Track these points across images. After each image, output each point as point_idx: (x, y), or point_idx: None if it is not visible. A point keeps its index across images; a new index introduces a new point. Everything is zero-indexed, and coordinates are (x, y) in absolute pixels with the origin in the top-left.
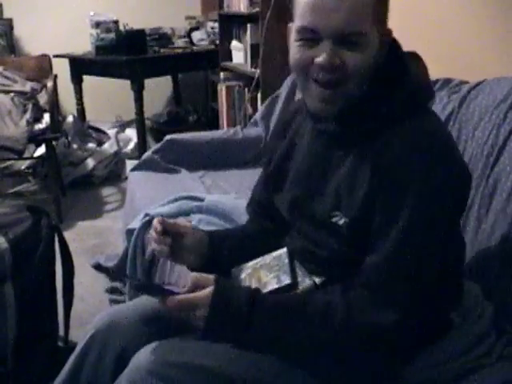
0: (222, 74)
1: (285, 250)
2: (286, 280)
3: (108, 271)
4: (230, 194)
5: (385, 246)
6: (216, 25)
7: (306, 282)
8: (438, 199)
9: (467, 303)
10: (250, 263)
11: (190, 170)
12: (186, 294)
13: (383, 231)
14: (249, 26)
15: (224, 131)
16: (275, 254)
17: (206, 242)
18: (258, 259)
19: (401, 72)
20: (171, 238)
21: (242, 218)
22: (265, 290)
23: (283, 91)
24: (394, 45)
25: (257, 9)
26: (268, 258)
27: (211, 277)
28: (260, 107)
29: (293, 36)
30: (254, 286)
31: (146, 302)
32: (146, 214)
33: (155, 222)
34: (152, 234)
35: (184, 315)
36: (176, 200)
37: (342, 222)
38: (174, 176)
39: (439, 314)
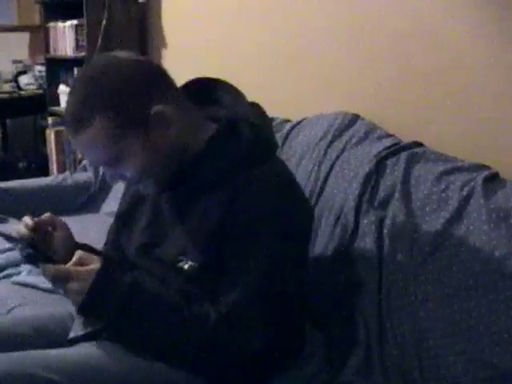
0: (50, 119)
1: None
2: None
3: None
4: None
5: (245, 283)
6: (44, 68)
7: None
8: (288, 236)
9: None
10: None
11: (19, 219)
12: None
13: (241, 270)
14: (76, 69)
15: (53, 177)
16: None
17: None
18: None
19: (235, 132)
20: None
21: None
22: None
23: None
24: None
25: (83, 52)
26: None
27: (96, 257)
28: None
29: None
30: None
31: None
32: None
33: (26, 218)
34: (20, 230)
35: (59, 285)
36: (4, 251)
37: (187, 266)
38: (2, 226)
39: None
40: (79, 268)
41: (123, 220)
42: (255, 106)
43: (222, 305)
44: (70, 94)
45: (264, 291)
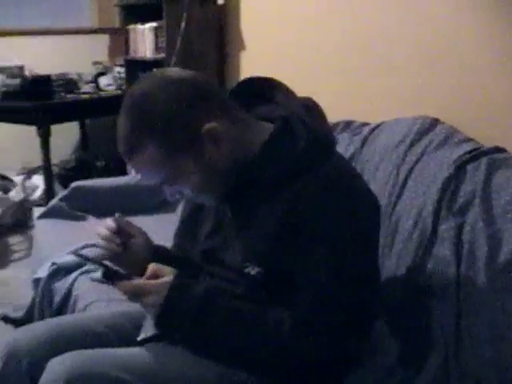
0: None
1: None
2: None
3: (15, 322)
4: None
5: (315, 285)
6: (123, 70)
7: None
8: (356, 236)
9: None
10: None
11: (97, 217)
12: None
13: (311, 272)
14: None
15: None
16: None
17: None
18: None
19: (290, 133)
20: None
21: None
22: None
23: None
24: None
25: (162, 54)
26: None
27: (169, 269)
28: None
29: None
30: None
31: (59, 321)
32: (53, 263)
33: (109, 220)
34: (102, 232)
35: (135, 300)
36: (83, 248)
37: (254, 271)
38: (81, 223)
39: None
40: (152, 282)
41: (187, 224)
42: (309, 102)
43: (296, 312)
44: (120, 119)
45: (337, 298)
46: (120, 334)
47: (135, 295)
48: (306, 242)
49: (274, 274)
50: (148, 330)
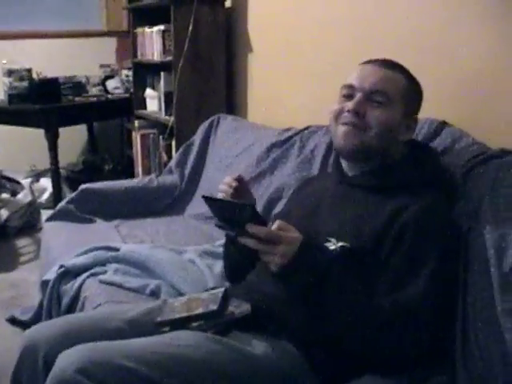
0: (136, 122)
1: (222, 289)
2: (213, 307)
3: (23, 324)
4: (145, 242)
5: (418, 283)
6: (130, 73)
7: (242, 306)
8: (450, 250)
9: None
10: (187, 296)
11: (105, 220)
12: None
13: (413, 271)
14: (162, 74)
15: (139, 179)
16: (213, 291)
17: None
18: (196, 294)
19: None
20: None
21: (158, 266)
22: (190, 314)
23: (197, 138)
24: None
25: (170, 57)
26: (205, 294)
27: (292, 227)
28: (175, 155)
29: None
30: (182, 313)
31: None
32: (61, 266)
33: (230, 178)
34: (224, 184)
35: (263, 247)
36: (91, 250)
37: (333, 246)
38: (89, 226)
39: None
40: (286, 233)
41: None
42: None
43: (396, 297)
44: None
45: (433, 290)
46: (136, 327)
47: (269, 241)
48: (413, 242)
49: (355, 252)
50: (166, 315)
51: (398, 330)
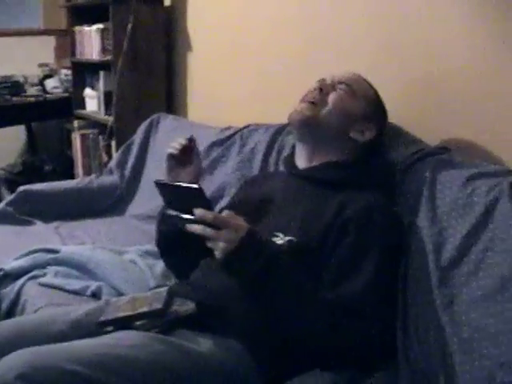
0: (76, 122)
1: (166, 288)
2: (158, 305)
3: None
4: (86, 244)
5: (361, 277)
6: (69, 72)
7: (187, 305)
8: (393, 244)
9: None
10: (131, 295)
11: (45, 222)
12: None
13: (356, 265)
14: (101, 73)
15: (79, 180)
16: (157, 290)
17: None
18: (139, 294)
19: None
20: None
21: (99, 268)
22: (134, 312)
23: (137, 138)
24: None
25: (109, 56)
26: (149, 293)
27: (240, 217)
28: (115, 155)
29: None
30: (126, 312)
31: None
32: (0, 269)
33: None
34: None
35: (208, 232)
36: (31, 253)
37: (281, 241)
38: (28, 228)
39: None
40: (234, 220)
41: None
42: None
43: (340, 291)
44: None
45: (376, 283)
46: (79, 329)
47: (217, 225)
48: (358, 238)
49: (302, 247)
50: (110, 315)
51: (342, 323)
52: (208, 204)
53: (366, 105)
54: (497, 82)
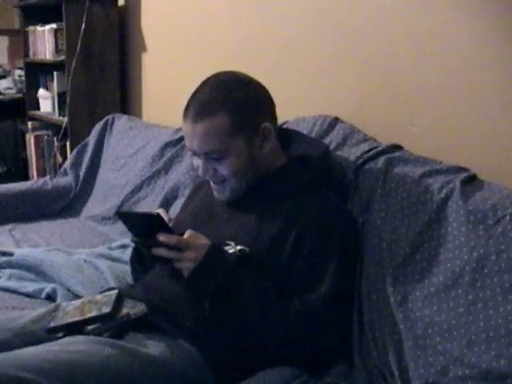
0: (29, 124)
1: (116, 291)
2: (106, 310)
3: None
4: (41, 246)
5: (323, 285)
6: (23, 73)
7: (138, 307)
8: (350, 247)
9: None
10: (80, 299)
11: None
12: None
13: (317, 274)
14: (55, 74)
15: (33, 182)
16: (107, 293)
17: None
18: (89, 297)
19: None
20: None
21: (54, 270)
22: (83, 317)
23: (91, 139)
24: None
25: (62, 57)
26: (100, 296)
27: (203, 236)
28: (69, 156)
29: None
30: (75, 317)
31: None
32: None
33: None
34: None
35: (175, 254)
36: None
37: (232, 250)
38: None
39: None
40: (194, 240)
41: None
42: (316, 143)
43: (303, 299)
44: (199, 91)
45: (338, 290)
46: (25, 336)
47: (179, 248)
48: (313, 242)
49: (254, 255)
50: (59, 321)
51: (304, 329)
52: (168, 228)
53: (242, 132)
54: (453, 79)
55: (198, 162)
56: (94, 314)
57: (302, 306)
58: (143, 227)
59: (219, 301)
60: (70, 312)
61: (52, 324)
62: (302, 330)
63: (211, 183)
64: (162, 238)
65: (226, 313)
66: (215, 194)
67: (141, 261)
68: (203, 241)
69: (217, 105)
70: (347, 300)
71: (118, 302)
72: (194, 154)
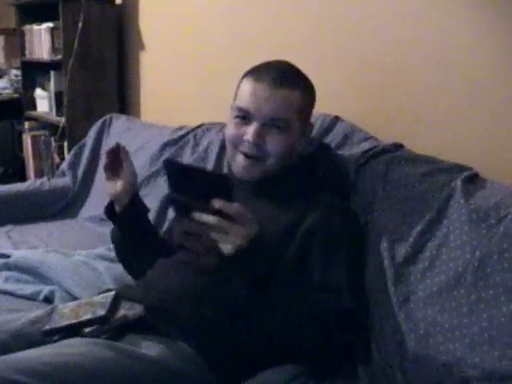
0: (26, 124)
1: (113, 293)
2: (101, 312)
3: None
4: (38, 248)
5: (337, 294)
6: (20, 72)
7: (135, 309)
8: (359, 247)
9: None
10: (77, 301)
11: None
12: None
13: (327, 281)
14: (52, 73)
15: (30, 183)
16: (104, 294)
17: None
18: (87, 298)
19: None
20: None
21: (51, 272)
22: (78, 320)
23: (89, 139)
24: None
25: (59, 56)
26: (96, 298)
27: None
28: (67, 156)
29: (231, 113)
30: (71, 320)
31: None
32: None
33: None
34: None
35: (228, 226)
36: None
37: None
38: None
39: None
40: (250, 216)
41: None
42: (317, 143)
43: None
44: (271, 63)
45: (351, 295)
46: (21, 339)
47: (236, 218)
48: (321, 248)
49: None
50: (54, 323)
51: (336, 328)
52: (230, 196)
53: (301, 117)
54: (455, 76)
55: (245, 132)
56: (88, 316)
57: (329, 302)
58: (198, 186)
59: (260, 287)
60: (66, 314)
61: (47, 326)
62: (332, 326)
63: (242, 159)
64: (218, 203)
65: (264, 302)
66: (242, 171)
67: (124, 237)
68: (254, 220)
69: (297, 80)
70: (363, 294)
71: (115, 304)
72: (245, 118)
